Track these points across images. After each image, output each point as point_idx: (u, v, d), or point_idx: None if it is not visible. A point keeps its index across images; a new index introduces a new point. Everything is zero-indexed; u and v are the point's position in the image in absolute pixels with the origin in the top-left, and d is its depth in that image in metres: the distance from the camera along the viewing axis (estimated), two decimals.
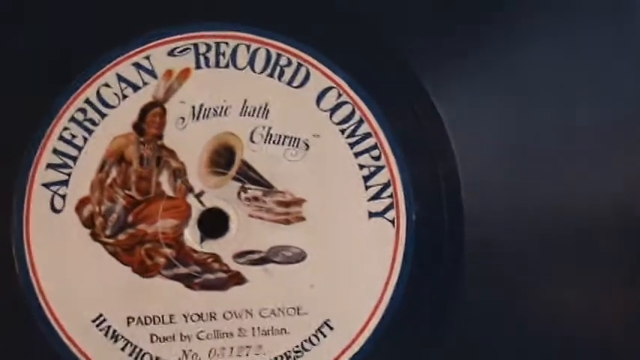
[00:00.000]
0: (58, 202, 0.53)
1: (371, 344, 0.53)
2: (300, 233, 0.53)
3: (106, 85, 0.53)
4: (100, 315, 0.53)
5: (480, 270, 0.53)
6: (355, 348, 0.53)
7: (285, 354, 0.53)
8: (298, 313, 0.53)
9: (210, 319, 0.53)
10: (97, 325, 0.53)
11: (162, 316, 0.53)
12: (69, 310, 0.52)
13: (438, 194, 0.54)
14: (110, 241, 0.53)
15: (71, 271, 0.52)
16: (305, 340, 0.53)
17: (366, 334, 0.53)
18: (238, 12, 0.53)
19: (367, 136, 0.54)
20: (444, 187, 0.54)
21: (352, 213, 0.53)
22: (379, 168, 0.54)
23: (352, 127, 0.54)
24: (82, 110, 0.53)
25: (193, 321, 0.53)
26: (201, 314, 0.53)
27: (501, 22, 0.54)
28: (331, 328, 0.53)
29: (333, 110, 0.54)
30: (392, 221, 0.53)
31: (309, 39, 0.54)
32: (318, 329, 0.53)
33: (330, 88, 0.54)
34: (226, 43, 0.54)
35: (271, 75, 0.54)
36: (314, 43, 0.54)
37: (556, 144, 0.54)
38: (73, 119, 0.53)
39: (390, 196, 0.53)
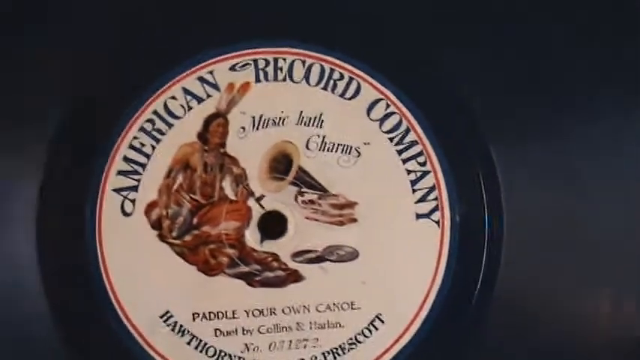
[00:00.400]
0: (128, 206, 0.53)
1: (419, 337, 0.53)
2: (352, 234, 0.53)
3: (173, 97, 0.53)
4: (167, 311, 0.53)
5: (518, 268, 0.54)
6: (405, 340, 0.53)
7: (340, 346, 0.53)
8: (352, 308, 0.53)
9: (270, 315, 0.53)
10: (165, 321, 0.52)
11: (226, 312, 0.53)
12: (138, 307, 0.52)
13: (480, 197, 0.54)
14: (177, 242, 0.53)
15: (140, 270, 0.52)
16: (358, 334, 0.53)
17: (415, 327, 0.53)
18: (295, 30, 0.54)
19: (414, 143, 0.54)
20: (484, 190, 0.54)
21: (400, 214, 0.53)
22: (425, 173, 0.54)
23: (400, 136, 0.54)
24: (151, 121, 0.53)
25: (254, 316, 0.53)
26: (262, 310, 0.53)
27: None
28: (382, 322, 0.53)
29: (382, 120, 0.54)
30: (437, 222, 0.53)
31: (361, 55, 0.54)
32: (371, 323, 0.53)
33: (379, 100, 0.54)
34: (284, 59, 0.54)
35: (325, 88, 0.53)
36: (365, 59, 0.54)
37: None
38: (142, 129, 0.53)
39: (435, 199, 0.53)
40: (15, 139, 0.52)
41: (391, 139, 0.53)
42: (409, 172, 0.53)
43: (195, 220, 0.53)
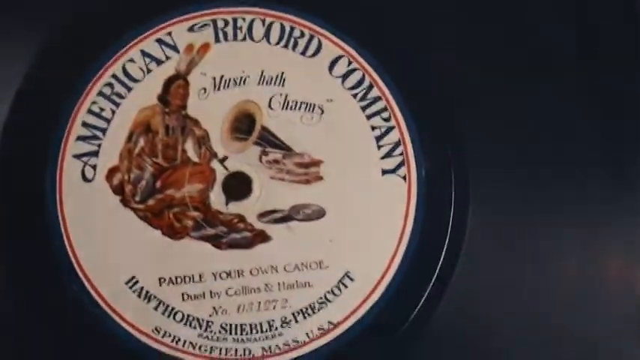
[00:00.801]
0: (89, 172, 0.48)
1: (389, 293, 0.48)
2: (319, 192, 0.48)
3: (131, 60, 0.49)
4: (133, 277, 0.48)
5: (485, 220, 0.49)
6: (375, 297, 0.48)
7: (309, 306, 0.48)
8: (320, 267, 0.49)
9: (238, 276, 0.48)
10: (131, 287, 0.48)
11: (192, 276, 0.48)
12: (103, 273, 0.48)
13: (445, 150, 0.50)
14: (140, 206, 0.48)
15: (103, 236, 0.48)
16: (328, 292, 0.48)
17: (384, 283, 0.48)
18: None
19: (377, 99, 0.49)
20: (450, 144, 0.50)
21: (366, 171, 0.49)
22: (390, 128, 0.49)
23: (363, 92, 0.49)
24: (109, 85, 0.49)
25: (222, 279, 0.48)
26: (229, 272, 0.48)
27: None
28: (352, 280, 0.48)
29: (344, 77, 0.49)
30: (403, 177, 0.49)
31: (320, 11, 0.50)
32: (340, 281, 0.48)
33: (340, 57, 0.49)
34: (243, 19, 0.49)
35: (286, 46, 0.49)
36: (325, 15, 0.50)
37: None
38: (100, 93, 0.48)
39: (401, 154, 0.49)
40: None
41: (354, 96, 0.49)
42: (374, 128, 0.49)
43: (158, 184, 0.48)
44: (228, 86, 0.48)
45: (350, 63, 0.49)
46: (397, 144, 0.48)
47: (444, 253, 0.48)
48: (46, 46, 0.48)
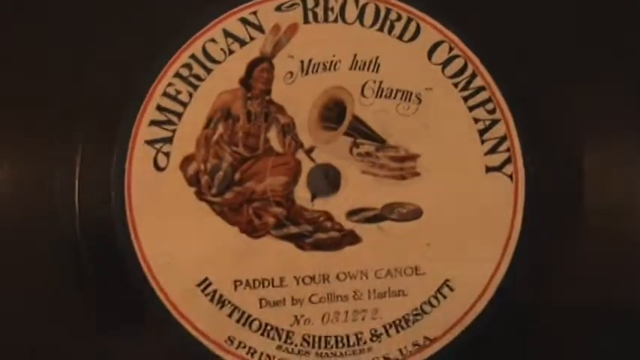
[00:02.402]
0: (161, 160, 0.33)
1: (495, 305, 0.32)
2: (415, 189, 0.32)
3: (212, 40, 0.32)
4: (206, 279, 0.32)
5: (601, 225, 0.33)
6: (477, 309, 0.32)
7: (403, 318, 0.32)
8: (416, 274, 0.33)
9: (323, 282, 0.33)
10: (203, 290, 0.32)
11: (272, 279, 0.32)
12: (172, 273, 0.32)
13: (556, 146, 0.34)
14: (216, 200, 0.33)
15: (175, 232, 0.32)
16: (424, 302, 0.32)
17: (489, 294, 0.32)
18: None
19: (481, 89, 0.34)
20: (562, 140, 0.34)
21: (468, 168, 0.32)
22: (494, 121, 0.34)
23: (465, 81, 0.34)
24: (187, 66, 0.33)
25: (305, 284, 0.32)
26: (314, 276, 0.32)
27: None
28: (451, 289, 0.32)
29: (445, 64, 0.33)
30: (510, 176, 0.33)
31: None
32: (438, 290, 0.32)
33: (441, 42, 0.33)
34: None
35: (381, 29, 0.33)
36: None
37: None
38: (177, 75, 0.32)
39: (507, 150, 0.33)
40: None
41: (455, 85, 0.33)
42: (477, 120, 0.33)
43: (237, 176, 0.33)
44: (317, 71, 0.33)
45: (451, 49, 0.33)
46: (503, 139, 0.33)
47: (555, 259, 0.32)
48: (118, 22, 0.33)
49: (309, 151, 0.32)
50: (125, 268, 0.31)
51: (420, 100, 0.32)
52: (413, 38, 0.33)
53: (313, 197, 0.32)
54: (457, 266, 0.31)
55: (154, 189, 0.31)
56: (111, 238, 0.31)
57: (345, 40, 0.33)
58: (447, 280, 0.31)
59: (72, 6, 0.33)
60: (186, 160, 0.32)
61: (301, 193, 0.32)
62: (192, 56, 0.32)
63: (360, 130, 0.32)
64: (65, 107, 0.32)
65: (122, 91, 0.32)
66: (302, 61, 0.32)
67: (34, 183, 0.32)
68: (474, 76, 0.33)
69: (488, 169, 0.32)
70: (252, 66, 0.32)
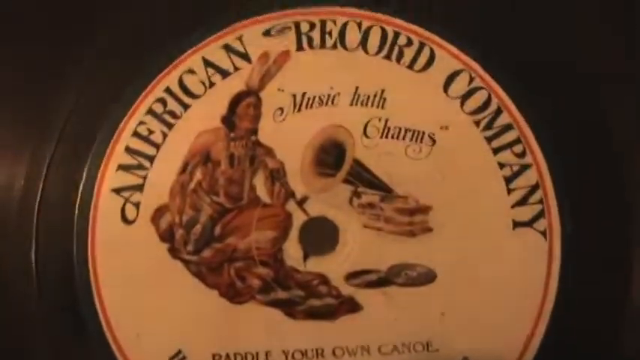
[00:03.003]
0: (130, 212, 0.25)
1: None
2: (426, 248, 0.24)
3: (190, 71, 0.25)
4: (179, 351, 0.25)
5: None
6: None
7: None
8: (427, 350, 0.25)
9: (317, 357, 0.25)
10: None
11: (257, 354, 0.25)
12: (141, 344, 0.25)
13: (599, 198, 0.26)
14: (193, 258, 0.25)
15: (145, 295, 0.25)
16: None
17: None
18: None
19: (508, 128, 0.26)
20: (607, 190, 0.26)
21: (492, 222, 0.24)
22: (524, 167, 0.25)
23: (489, 118, 0.26)
24: (161, 101, 0.25)
25: (295, 359, 0.25)
26: (306, 351, 0.24)
27: None
28: None
29: (464, 97, 0.25)
30: (543, 232, 0.25)
31: (434, 13, 0.27)
32: None
33: (460, 71, 0.25)
34: (333, 21, 0.25)
35: (388, 57, 0.25)
36: (439, 18, 0.26)
37: None
38: (150, 112, 0.25)
39: (540, 202, 0.25)
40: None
41: (477, 123, 0.25)
42: (503, 165, 0.25)
43: (217, 230, 0.25)
44: (311, 106, 0.25)
45: (472, 80, 0.25)
46: (534, 188, 0.25)
47: (598, 332, 0.24)
48: (85, 44, 0.26)
49: (301, 202, 0.24)
50: (90, 344, 0.24)
51: (433, 142, 0.24)
52: (426, 67, 0.25)
53: (306, 256, 0.24)
54: (477, 341, 0.24)
55: (121, 246, 0.24)
56: (73, 308, 0.24)
57: (346, 70, 0.25)
58: (466, 358, 0.24)
59: (42, 23, 0.26)
60: (159, 212, 0.25)
61: (292, 252, 0.24)
62: (167, 90, 0.25)
63: (362, 177, 0.24)
64: (23, 139, 0.25)
65: (86, 129, 0.25)
66: (294, 95, 0.25)
67: None
68: (499, 112, 0.25)
69: (517, 225, 0.24)
70: (236, 101, 0.25)
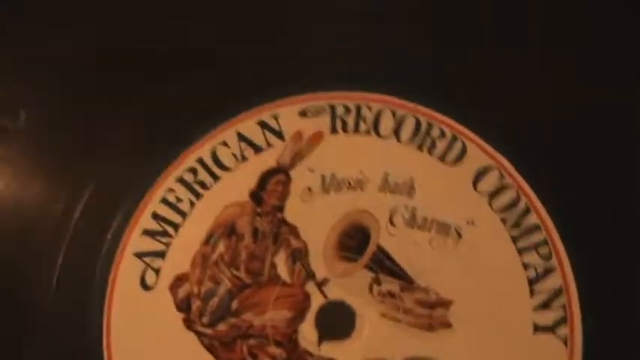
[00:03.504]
0: (150, 277, 0.23)
1: None
2: (444, 343, 0.21)
3: (224, 143, 0.23)
4: None
5: None
6: None
7: None
8: None
9: None
10: None
11: None
12: None
13: (626, 309, 0.23)
14: (207, 331, 0.23)
15: None
16: None
17: None
18: (385, 73, 0.25)
19: (535, 229, 0.24)
20: (629, 301, 0.23)
21: (512, 324, 0.22)
22: (549, 270, 0.23)
23: (516, 217, 0.24)
24: (193, 170, 0.24)
25: None
26: None
27: None
28: None
29: (493, 194, 0.23)
30: (564, 340, 0.23)
31: (469, 107, 0.25)
32: None
33: (490, 168, 0.24)
34: (369, 107, 0.24)
35: (420, 147, 0.23)
36: (474, 113, 0.25)
37: None
38: (180, 180, 0.23)
39: (563, 307, 0.23)
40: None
41: (504, 220, 0.23)
42: (527, 266, 0.23)
43: (234, 304, 0.23)
44: (340, 189, 0.23)
45: (502, 177, 0.23)
46: (558, 292, 0.22)
47: None
48: (122, 106, 0.24)
49: (321, 284, 0.22)
50: None
51: (459, 235, 0.22)
52: (457, 160, 0.23)
53: (321, 340, 0.22)
54: None
55: (137, 311, 0.22)
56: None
57: (377, 156, 0.23)
58: None
59: (75, 88, 0.25)
60: (178, 280, 0.23)
61: (307, 334, 0.22)
62: (200, 160, 0.23)
63: (384, 265, 0.22)
64: (56, 190, 0.24)
65: (116, 190, 0.23)
66: (323, 176, 0.23)
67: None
68: (527, 211, 0.23)
69: (538, 329, 0.22)
70: (266, 177, 0.23)
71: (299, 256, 0.22)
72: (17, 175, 0.24)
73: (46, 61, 0.24)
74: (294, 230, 0.23)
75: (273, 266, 0.22)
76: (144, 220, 0.23)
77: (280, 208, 0.23)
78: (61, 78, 0.24)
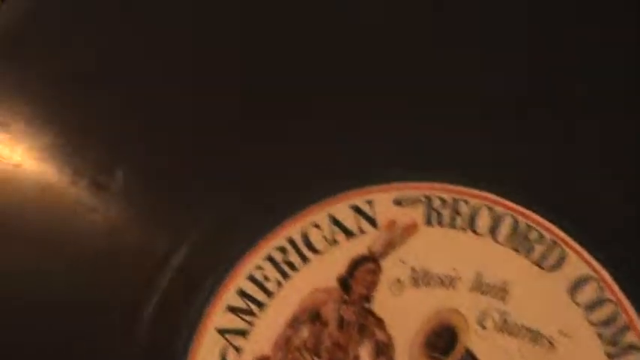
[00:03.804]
0: (230, 355, 0.23)
1: None
2: None
3: (316, 225, 0.22)
4: None
5: None
6: None
7: None
8: None
9: None
10: None
11: None
12: None
13: None
14: None
15: None
16: None
17: None
18: (487, 169, 0.24)
19: (632, 348, 0.22)
20: None
21: None
22: None
23: (613, 333, 0.22)
24: (282, 249, 0.22)
25: None
26: None
27: None
28: None
29: (590, 307, 0.21)
30: None
31: (571, 214, 0.23)
32: None
33: (588, 278, 0.22)
34: (466, 202, 0.23)
35: (517, 249, 0.22)
36: (576, 220, 0.23)
37: None
38: (269, 258, 0.22)
39: None
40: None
41: (600, 335, 0.22)
42: None
43: None
44: (430, 284, 0.22)
45: (601, 290, 0.22)
46: None
47: None
48: (216, 176, 0.23)
49: None
50: None
51: (551, 345, 0.21)
52: (555, 267, 0.21)
53: None
54: None
55: None
56: None
57: (471, 254, 0.22)
58: None
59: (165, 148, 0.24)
60: None
61: None
62: (290, 239, 0.22)
63: None
64: (141, 262, 0.23)
65: (204, 261, 0.22)
66: (415, 270, 0.21)
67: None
68: (625, 329, 0.21)
69: None
70: (356, 264, 0.22)
71: (384, 350, 0.21)
72: (101, 241, 0.23)
73: (144, 123, 0.23)
74: (380, 322, 0.21)
75: (356, 357, 0.21)
76: (229, 295, 0.21)
77: (368, 298, 0.21)
78: (157, 140, 0.23)
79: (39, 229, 0.22)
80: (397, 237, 0.21)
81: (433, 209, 0.22)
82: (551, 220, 0.21)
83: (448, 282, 0.21)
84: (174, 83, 0.23)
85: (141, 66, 0.23)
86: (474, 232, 0.21)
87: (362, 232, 0.22)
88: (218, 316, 0.21)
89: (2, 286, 0.22)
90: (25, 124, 0.22)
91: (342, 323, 0.21)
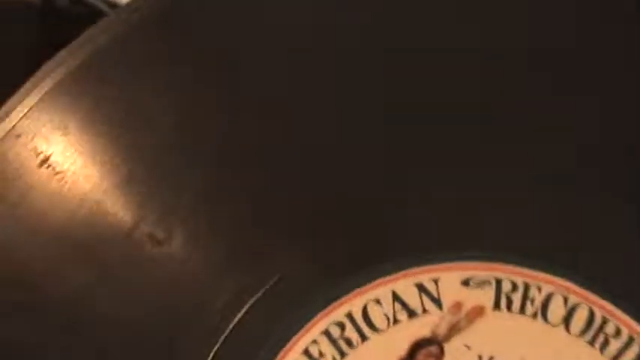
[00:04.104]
0: None
1: None
2: None
3: (377, 301, 0.21)
4: None
5: None
6: None
7: None
8: None
9: None
10: None
11: None
12: None
13: None
14: None
15: None
16: None
17: None
18: (564, 254, 0.22)
19: None
20: None
21: None
22: None
23: None
24: (340, 325, 0.21)
25: None
26: None
27: None
28: None
29: None
30: None
31: None
32: None
33: None
34: (538, 288, 0.21)
35: (592, 343, 0.20)
36: None
37: None
38: (326, 333, 0.21)
39: None
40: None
41: None
42: None
43: None
44: None
45: None
46: None
47: None
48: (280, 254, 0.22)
49: None
50: None
51: None
52: None
53: None
54: None
55: None
56: None
57: (542, 345, 0.20)
58: None
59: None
60: None
61: None
62: (349, 315, 0.21)
63: None
64: (197, 323, 0.21)
65: (258, 331, 0.21)
66: (480, 357, 0.20)
67: None
68: None
69: None
70: (417, 346, 0.20)
71: None
72: (164, 293, 0.21)
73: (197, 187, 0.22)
74: None
75: None
76: None
77: None
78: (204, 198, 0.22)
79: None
80: (463, 320, 0.20)
81: (502, 293, 0.20)
82: (631, 315, 0.19)
83: None
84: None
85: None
86: (546, 320, 0.20)
87: (425, 311, 0.20)
88: None
89: None
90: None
91: None
